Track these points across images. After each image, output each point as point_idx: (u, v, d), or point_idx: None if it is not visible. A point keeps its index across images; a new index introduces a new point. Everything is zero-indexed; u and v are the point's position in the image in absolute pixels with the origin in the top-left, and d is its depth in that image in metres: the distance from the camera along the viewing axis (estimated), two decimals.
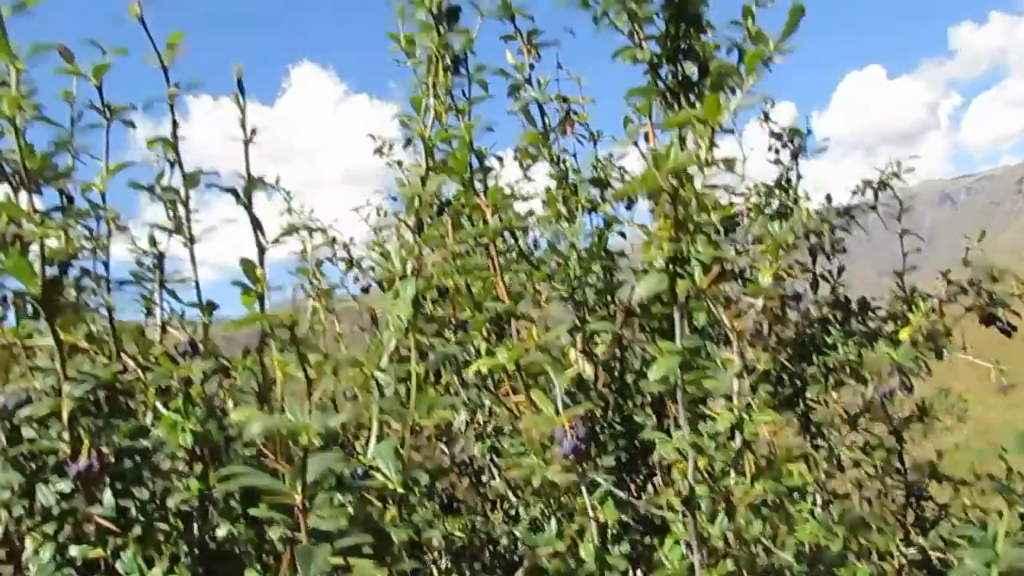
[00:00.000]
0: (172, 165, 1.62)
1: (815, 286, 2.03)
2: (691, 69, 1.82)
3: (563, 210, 1.98)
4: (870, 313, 2.03)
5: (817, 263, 2.04)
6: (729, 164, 1.72)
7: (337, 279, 2.45)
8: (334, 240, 2.55)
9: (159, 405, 1.45)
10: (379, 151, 2.54)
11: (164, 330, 1.65)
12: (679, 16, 1.74)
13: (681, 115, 1.34)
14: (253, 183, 1.44)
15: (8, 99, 1.30)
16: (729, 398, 1.44)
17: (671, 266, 1.38)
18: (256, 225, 1.45)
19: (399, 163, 2.53)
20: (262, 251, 1.46)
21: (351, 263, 2.50)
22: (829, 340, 2.00)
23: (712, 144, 1.32)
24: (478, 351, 1.88)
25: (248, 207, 1.44)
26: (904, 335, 1.89)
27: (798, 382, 2.07)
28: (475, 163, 1.92)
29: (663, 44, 1.76)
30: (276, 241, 1.47)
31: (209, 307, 1.49)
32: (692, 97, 1.81)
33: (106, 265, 1.50)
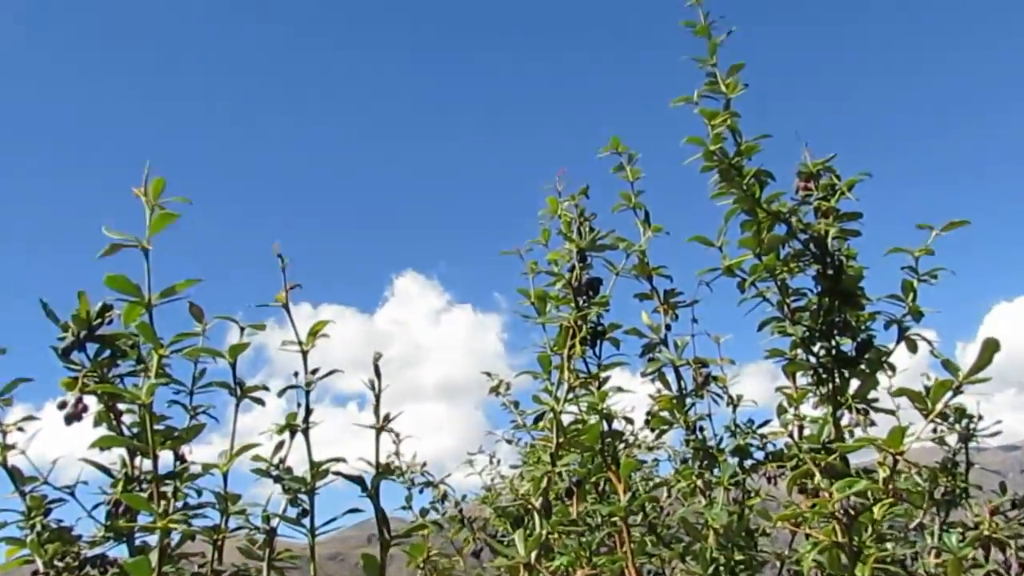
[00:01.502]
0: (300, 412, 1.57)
1: None
2: (845, 342, 1.68)
3: (699, 484, 1.81)
4: None
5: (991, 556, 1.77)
6: (917, 498, 1.54)
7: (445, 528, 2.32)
8: (444, 496, 2.43)
9: None
10: (495, 390, 2.46)
11: None
12: (832, 290, 1.63)
13: (861, 440, 1.21)
14: (381, 475, 1.36)
15: (148, 386, 1.28)
16: None
17: None
18: (382, 520, 1.35)
19: (515, 404, 2.44)
20: (386, 548, 1.35)
21: (462, 522, 2.36)
22: None
23: (894, 473, 1.16)
24: None
25: (375, 500, 1.35)
26: None
27: None
28: (604, 426, 1.80)
29: (815, 318, 1.65)
30: (399, 539, 1.36)
31: None
32: (847, 373, 1.67)
33: (220, 551, 1.41)
